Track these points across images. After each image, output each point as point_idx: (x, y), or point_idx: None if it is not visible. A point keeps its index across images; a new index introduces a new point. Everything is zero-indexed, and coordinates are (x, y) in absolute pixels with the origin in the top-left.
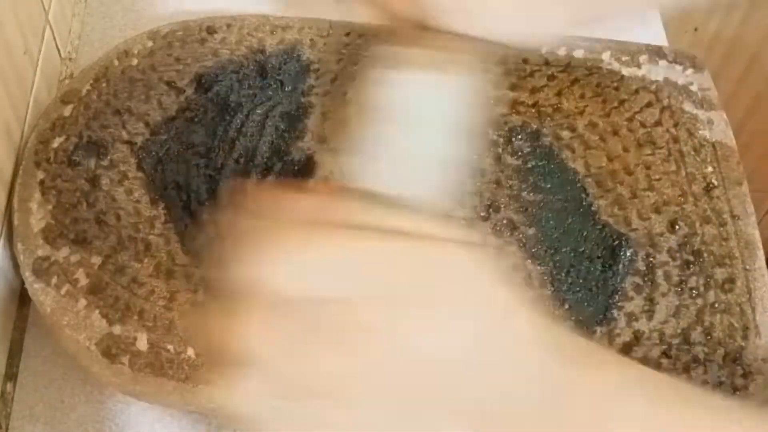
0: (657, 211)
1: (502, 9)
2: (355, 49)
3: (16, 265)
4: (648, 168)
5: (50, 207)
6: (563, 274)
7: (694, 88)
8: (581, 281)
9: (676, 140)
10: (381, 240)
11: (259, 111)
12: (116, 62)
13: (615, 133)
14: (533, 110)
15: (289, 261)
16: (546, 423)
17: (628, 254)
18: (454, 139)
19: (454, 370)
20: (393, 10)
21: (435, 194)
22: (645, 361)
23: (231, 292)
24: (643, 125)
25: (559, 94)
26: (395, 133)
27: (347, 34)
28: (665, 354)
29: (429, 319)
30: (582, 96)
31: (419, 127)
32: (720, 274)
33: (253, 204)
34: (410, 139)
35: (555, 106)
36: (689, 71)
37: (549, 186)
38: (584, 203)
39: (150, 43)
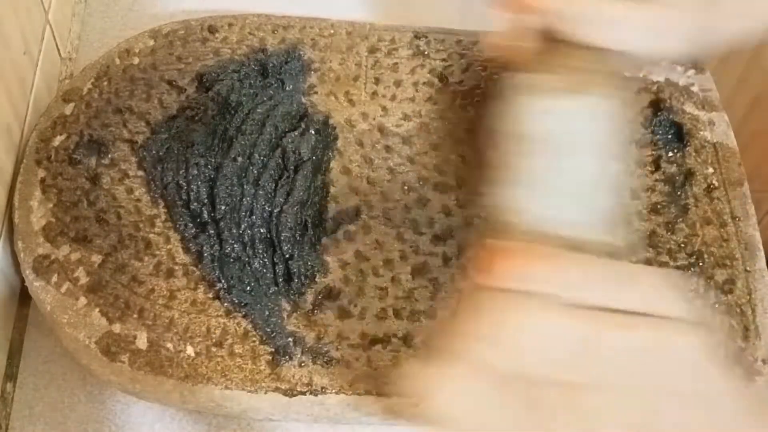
0: (657, 212)
1: (633, 22)
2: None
3: (16, 264)
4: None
5: (51, 205)
6: None
7: (695, 89)
8: None
9: None
10: (616, 325)
11: (259, 110)
12: (117, 61)
13: None
14: None
15: (515, 338)
16: None
17: None
18: (613, 162)
19: None
20: (524, 20)
21: (608, 227)
22: None
23: (450, 354)
24: (643, 126)
25: None
26: (553, 162)
27: (348, 33)
28: None
29: (662, 408)
30: None
31: (575, 154)
32: (720, 275)
33: (489, 270)
34: (570, 167)
35: None
36: (690, 72)
37: None
38: None
39: (151, 42)
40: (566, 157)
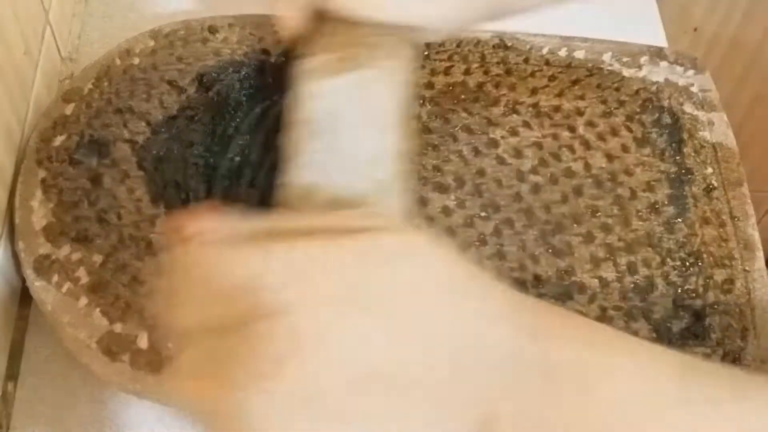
0: (656, 211)
1: None
2: None
3: (17, 264)
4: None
5: (52, 205)
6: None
7: (694, 89)
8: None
9: None
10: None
11: (257, 110)
12: (118, 61)
13: (615, 133)
14: (533, 110)
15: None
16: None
17: None
18: (388, 133)
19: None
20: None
21: (372, 190)
22: None
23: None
24: (643, 126)
25: (559, 94)
26: (330, 141)
27: None
28: None
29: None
30: (582, 96)
31: (352, 129)
32: (719, 275)
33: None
34: (344, 143)
35: (555, 107)
36: (690, 72)
37: None
38: None
39: (152, 42)
40: (342, 135)
